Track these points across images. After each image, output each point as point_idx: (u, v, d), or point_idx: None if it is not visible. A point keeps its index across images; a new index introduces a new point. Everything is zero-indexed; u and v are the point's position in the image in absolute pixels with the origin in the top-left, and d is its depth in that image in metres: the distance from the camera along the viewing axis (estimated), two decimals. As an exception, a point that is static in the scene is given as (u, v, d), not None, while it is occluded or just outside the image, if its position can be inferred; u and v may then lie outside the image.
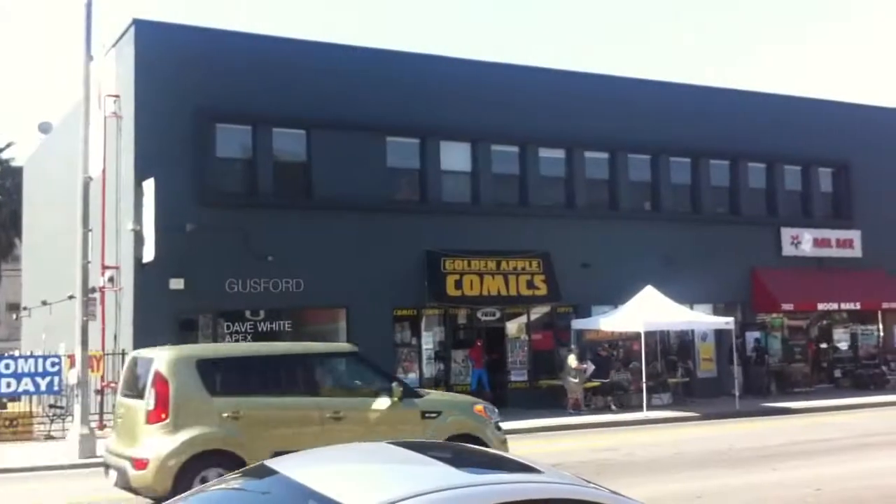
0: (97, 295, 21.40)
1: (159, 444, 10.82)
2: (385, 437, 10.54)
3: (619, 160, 26.29)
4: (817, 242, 28.99)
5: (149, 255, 20.03)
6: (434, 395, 13.76)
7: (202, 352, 13.03)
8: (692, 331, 26.46)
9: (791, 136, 28.49)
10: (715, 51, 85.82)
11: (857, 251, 29.62)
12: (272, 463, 5.21)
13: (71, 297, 21.13)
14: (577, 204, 25.64)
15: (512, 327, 24.88)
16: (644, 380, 22.69)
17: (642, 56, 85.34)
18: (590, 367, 23.67)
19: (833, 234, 29.45)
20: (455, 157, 24.31)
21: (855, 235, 29.69)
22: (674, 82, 27.89)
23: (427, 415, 12.37)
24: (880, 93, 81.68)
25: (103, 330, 21.70)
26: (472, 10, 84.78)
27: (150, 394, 11.15)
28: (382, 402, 12.09)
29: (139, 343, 20.00)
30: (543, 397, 23.40)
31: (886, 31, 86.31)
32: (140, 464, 10.76)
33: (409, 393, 12.64)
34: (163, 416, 10.98)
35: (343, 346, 15.93)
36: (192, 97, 20.85)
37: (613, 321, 23.49)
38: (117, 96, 21.91)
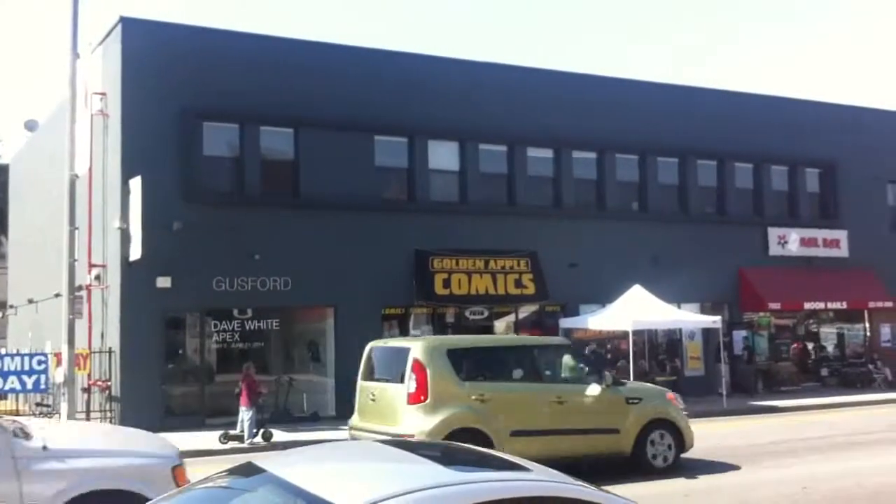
0: (84, 293, 21.33)
1: (422, 422, 12.65)
2: (597, 420, 13.55)
3: (606, 160, 26.34)
4: (804, 242, 29.12)
5: (135, 253, 19.95)
6: (634, 384, 15.61)
7: (451, 342, 14.43)
8: (680, 330, 26.53)
9: (778, 136, 28.60)
10: (702, 51, 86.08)
11: (843, 251, 29.76)
12: (260, 461, 5.21)
13: (57, 296, 21.05)
14: (565, 203, 25.67)
15: (500, 326, 24.89)
16: (631, 379, 22.71)
17: (631, 56, 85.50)
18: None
19: (820, 234, 29.58)
20: (443, 156, 24.30)
21: (841, 235, 29.82)
22: (662, 83, 27.96)
23: (630, 400, 14.08)
24: (867, 93, 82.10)
25: (90, 328, 21.63)
26: (462, 10, 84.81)
27: (410, 378, 12.92)
28: (594, 389, 13.78)
29: (126, 342, 20.04)
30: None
31: (872, 31, 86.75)
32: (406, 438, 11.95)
33: (615, 382, 14.41)
34: (422, 397, 12.80)
35: (560, 339, 17.97)
36: (180, 95, 20.78)
37: (601, 320, 23.53)
38: (104, 94, 21.81)
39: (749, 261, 28.02)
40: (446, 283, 23.13)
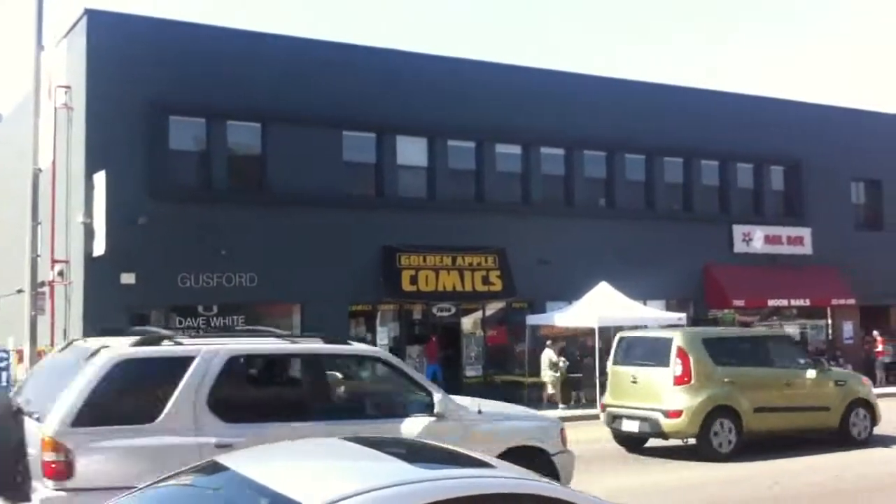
0: (46, 289, 21.07)
1: (687, 400, 14.91)
2: (814, 399, 16.01)
3: (575, 157, 26.43)
4: (768, 239, 29.41)
5: (99, 248, 19.75)
6: (837, 370, 18.19)
7: (705, 333, 16.79)
8: (645, 326, 26.66)
9: (744, 134, 28.83)
10: (672, 49, 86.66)
11: (807, 248, 30.09)
12: (223, 459, 5.16)
13: (20, 292, 20.77)
14: (534, 200, 25.74)
15: (467, 323, 24.93)
16: (598, 375, 22.83)
17: (601, 54, 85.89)
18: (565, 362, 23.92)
19: (784, 232, 29.88)
20: (411, 151, 24.28)
21: (805, 233, 30.15)
22: (630, 80, 28.09)
23: (838, 383, 16.57)
24: (834, 92, 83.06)
25: (52, 325, 21.35)
26: (432, 4, 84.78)
27: (675, 363, 15.11)
28: (811, 374, 16.19)
29: (89, 338, 19.76)
30: (498, 392, 23.41)
31: (843, 31, 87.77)
32: (674, 414, 14.87)
33: (826, 367, 17.12)
34: (686, 379, 15.01)
35: (786, 331, 21.06)
36: (145, 89, 20.57)
37: (567, 317, 23.62)
38: (68, 87, 21.54)
39: (714, 258, 28.25)
40: (413, 280, 23.12)
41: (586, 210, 26.50)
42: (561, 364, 23.65)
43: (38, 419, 7.69)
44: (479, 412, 9.38)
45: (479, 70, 25.32)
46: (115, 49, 20.54)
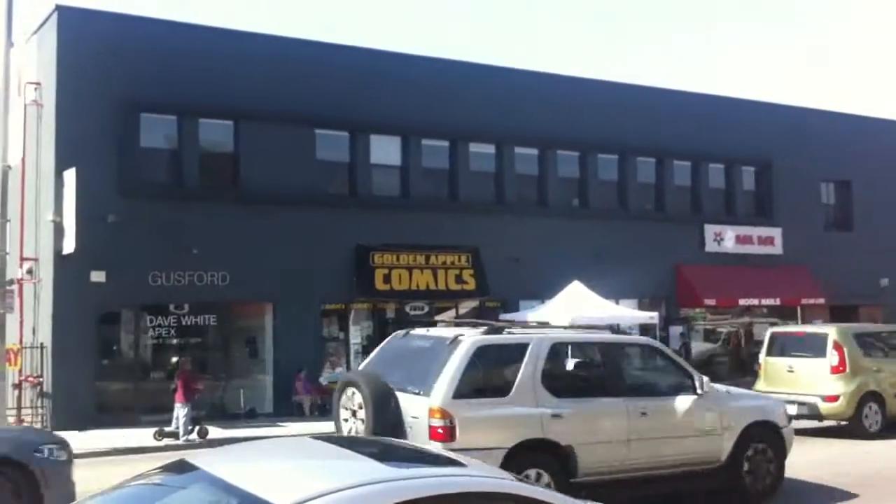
0: (15, 287, 20.82)
1: (843, 386, 17.07)
2: None
3: (548, 156, 26.50)
4: (739, 239, 29.64)
5: (69, 246, 19.56)
6: None
7: (855, 329, 18.88)
8: (618, 325, 26.78)
9: (715, 134, 29.03)
10: (647, 50, 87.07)
11: (777, 248, 30.35)
12: (192, 458, 5.13)
13: (-13, 290, 20.53)
14: (507, 199, 25.78)
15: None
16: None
17: (575, 54, 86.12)
18: None
19: (755, 232, 30.12)
20: (385, 150, 24.23)
21: (776, 233, 30.41)
22: (603, 80, 28.19)
23: None
24: (807, 94, 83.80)
25: (21, 323, 21.15)
26: (405, 4, 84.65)
27: (832, 355, 17.26)
28: None
29: (58, 337, 19.63)
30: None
31: (809, 32, 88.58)
32: (831, 398, 16.97)
33: None
34: (841, 368, 17.21)
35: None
36: (116, 86, 20.39)
37: (540, 316, 23.62)
38: (38, 84, 21.33)
39: (686, 257, 28.42)
40: (387, 279, 23.09)
41: (559, 209, 26.57)
42: None
43: (418, 393, 9.47)
44: (728, 392, 11.41)
45: (454, 69, 25.31)
46: (86, 45, 20.35)
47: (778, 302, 29.35)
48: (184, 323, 21.28)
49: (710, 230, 29.16)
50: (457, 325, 11.33)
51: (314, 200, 22.73)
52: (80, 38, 20.38)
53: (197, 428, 17.69)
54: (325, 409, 21.18)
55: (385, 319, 24.18)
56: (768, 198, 30.70)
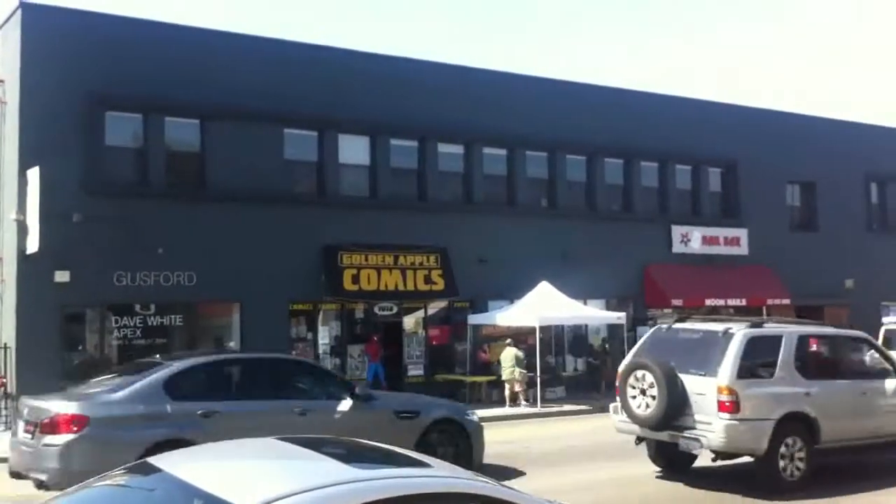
0: (-23, 287, 20.57)
1: None
2: None
3: (517, 156, 26.55)
4: (706, 240, 29.87)
5: (33, 246, 19.33)
6: None
7: None
8: (586, 326, 26.93)
9: (682, 136, 29.23)
10: (613, 51, 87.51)
11: (743, 248, 30.62)
12: (155, 460, 5.08)
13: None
14: (476, 199, 25.80)
15: (409, 322, 24.89)
16: (539, 373, 22.96)
17: (544, 54, 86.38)
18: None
19: (721, 232, 30.37)
20: (354, 150, 24.16)
21: (742, 233, 30.68)
22: (571, 81, 28.29)
23: None
24: (769, 96, 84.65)
25: (-16, 323, 20.88)
26: (373, 3, 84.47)
27: None
28: None
29: (22, 338, 19.38)
30: (440, 392, 23.40)
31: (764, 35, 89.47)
32: None
33: None
34: None
35: None
36: (81, 83, 20.18)
37: (509, 316, 23.71)
38: (2, 81, 21.06)
39: (653, 258, 28.60)
40: (355, 279, 23.03)
41: (528, 210, 26.64)
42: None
43: (703, 374, 11.84)
44: None
45: (422, 69, 25.30)
46: (50, 42, 20.12)
47: (744, 302, 29.61)
48: (150, 323, 21.08)
49: (677, 231, 29.37)
50: (711, 320, 13.58)
51: (282, 200, 22.62)
52: (44, 36, 20.14)
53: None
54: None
55: (354, 320, 24.13)
56: (734, 199, 30.97)
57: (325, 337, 23.60)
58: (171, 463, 4.91)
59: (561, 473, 13.36)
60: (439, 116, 24.83)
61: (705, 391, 11.71)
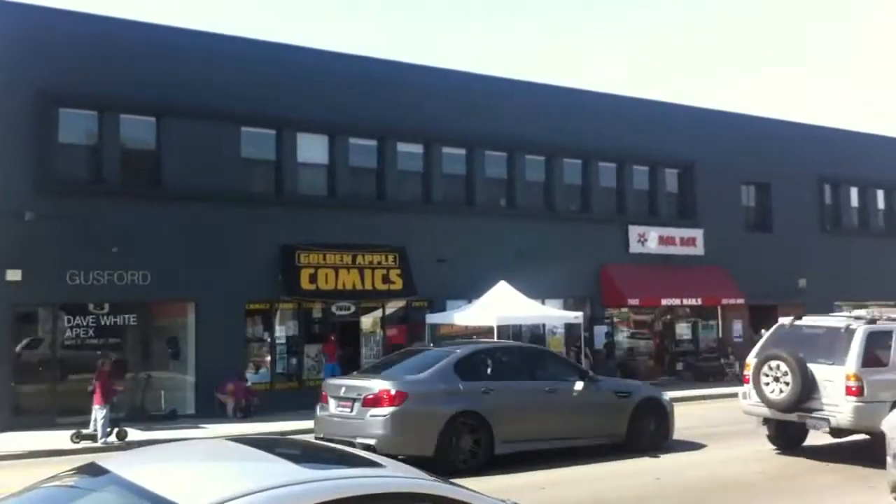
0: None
1: None
2: None
3: (476, 157, 26.58)
4: (662, 240, 30.12)
5: (-17, 244, 18.98)
6: None
7: None
8: (543, 325, 27.04)
9: (640, 137, 29.45)
10: (574, 51, 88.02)
11: (699, 249, 30.93)
12: (103, 461, 5.00)
13: None
14: (434, 199, 25.79)
15: (367, 322, 24.83)
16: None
17: (503, 54, 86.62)
18: None
19: (677, 233, 30.65)
20: (312, 149, 24.04)
21: (698, 234, 30.98)
22: (530, 82, 28.40)
23: None
24: (727, 98, 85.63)
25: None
26: (333, 1, 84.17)
27: None
28: None
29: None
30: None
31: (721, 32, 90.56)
32: None
33: None
34: None
35: None
36: (34, 80, 19.85)
37: (467, 316, 23.73)
38: (-49, 76, 20.64)
39: (611, 258, 28.78)
40: (313, 278, 22.91)
41: (486, 210, 26.68)
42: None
43: (830, 364, 13.59)
44: None
45: (381, 68, 25.23)
46: (2, 38, 19.77)
47: (699, 302, 29.91)
48: (103, 323, 20.81)
49: (633, 231, 29.59)
50: (829, 317, 15.48)
51: (239, 198, 22.44)
52: (-5, 30, 19.79)
53: (116, 430, 17.33)
54: (249, 411, 20.94)
55: (311, 319, 24.00)
56: (691, 199, 31.27)
57: (281, 336, 23.46)
58: (119, 464, 4.83)
59: (515, 471, 13.36)
60: (398, 116, 24.79)
61: (833, 378, 13.54)
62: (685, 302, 29.71)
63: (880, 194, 37.15)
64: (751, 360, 14.67)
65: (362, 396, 13.19)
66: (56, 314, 20.38)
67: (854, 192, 36.43)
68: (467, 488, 4.71)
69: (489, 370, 14.10)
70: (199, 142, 21.83)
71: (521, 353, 16.07)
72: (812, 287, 32.85)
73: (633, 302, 28.48)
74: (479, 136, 26.30)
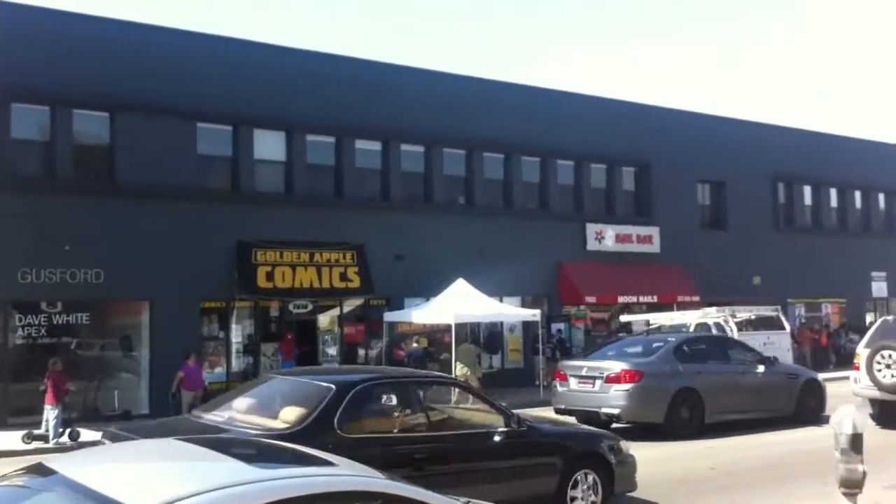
0: None
1: None
2: None
3: (434, 154, 26.57)
4: (619, 238, 30.35)
5: (-69, 241, 18.61)
6: None
7: None
8: (501, 323, 27.10)
9: (598, 135, 29.63)
10: (531, 49, 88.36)
11: (655, 247, 31.20)
12: (50, 462, 4.93)
13: None
14: (393, 196, 25.73)
15: (324, 320, 24.72)
16: (454, 373, 22.97)
17: (461, 51, 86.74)
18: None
19: (634, 231, 30.89)
20: (269, 145, 23.87)
21: (654, 231, 31.25)
22: (490, 79, 28.48)
23: None
24: (689, 97, 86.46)
25: None
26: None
27: None
28: None
29: None
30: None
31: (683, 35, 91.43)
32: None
33: None
34: None
35: None
36: (-17, 74, 19.49)
37: (425, 313, 23.69)
38: None
39: (568, 255, 28.94)
40: (269, 276, 22.74)
41: (445, 207, 26.69)
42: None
43: None
44: None
45: (339, 64, 25.13)
46: (-50, 30, 19.40)
47: (655, 299, 30.18)
48: (55, 322, 20.49)
49: (591, 229, 29.77)
50: None
51: (194, 195, 22.21)
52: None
53: (68, 430, 17.09)
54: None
55: (268, 318, 23.85)
56: (647, 198, 31.52)
57: (237, 335, 23.26)
58: (67, 464, 4.76)
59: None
60: (356, 113, 24.69)
61: None
62: (642, 299, 29.95)
63: (833, 193, 37.77)
64: (861, 350, 16.87)
65: (605, 375, 16.01)
66: (7, 313, 20.02)
67: (807, 190, 36.99)
68: (419, 487, 4.70)
69: (696, 355, 16.88)
70: (153, 138, 21.55)
71: (717, 342, 19.35)
72: (766, 284, 33.31)
73: (591, 299, 28.66)
74: (438, 133, 26.29)
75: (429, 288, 24.43)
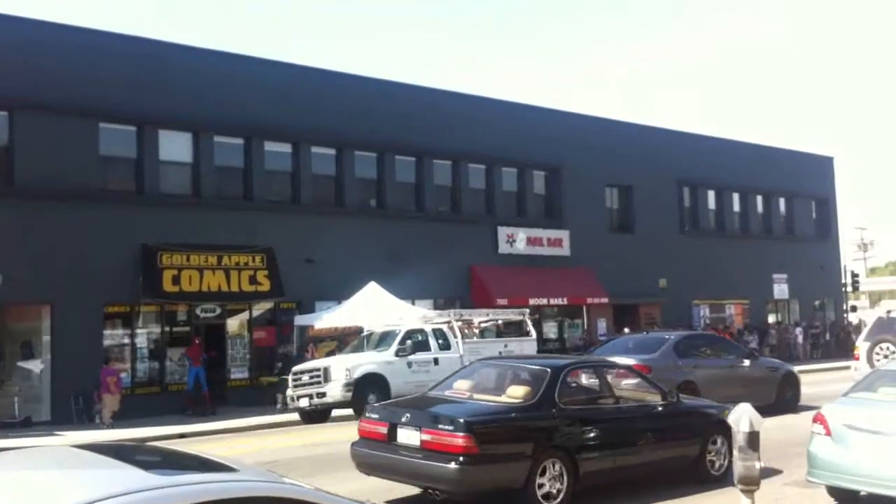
0: None
1: None
2: None
3: (345, 156, 26.44)
4: (530, 241, 30.66)
5: None
6: None
7: None
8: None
9: (509, 139, 29.89)
10: (443, 54, 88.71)
11: (565, 250, 31.60)
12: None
13: None
14: (303, 199, 25.50)
15: (233, 324, 24.35)
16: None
17: (373, 54, 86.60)
18: None
19: (544, 234, 31.25)
20: (175, 146, 23.42)
21: (564, 235, 31.65)
22: (401, 82, 28.50)
23: None
24: (601, 104, 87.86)
25: None
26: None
27: None
28: None
29: None
30: (265, 395, 22.97)
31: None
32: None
33: None
34: None
35: None
36: None
37: (336, 317, 23.53)
38: None
39: (480, 258, 29.11)
40: (176, 280, 22.29)
41: (356, 210, 26.58)
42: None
43: None
44: None
45: (249, 65, 24.83)
46: None
47: (565, 301, 30.57)
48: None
49: (502, 232, 30.01)
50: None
51: (97, 197, 21.66)
52: None
53: (-37, 440, 16.45)
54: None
55: (175, 321, 23.37)
56: (557, 201, 31.91)
57: (142, 340, 22.73)
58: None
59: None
60: (266, 114, 24.42)
61: None
62: (552, 301, 30.30)
63: (735, 197, 38.82)
64: (861, 343, 18.94)
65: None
66: None
67: (711, 194, 37.97)
68: (322, 491, 4.64)
69: (692, 352, 17.82)
70: (54, 138, 20.94)
71: (707, 339, 20.71)
72: (672, 286, 34.06)
73: (502, 302, 28.84)
74: (349, 136, 26.18)
75: (340, 291, 24.27)
